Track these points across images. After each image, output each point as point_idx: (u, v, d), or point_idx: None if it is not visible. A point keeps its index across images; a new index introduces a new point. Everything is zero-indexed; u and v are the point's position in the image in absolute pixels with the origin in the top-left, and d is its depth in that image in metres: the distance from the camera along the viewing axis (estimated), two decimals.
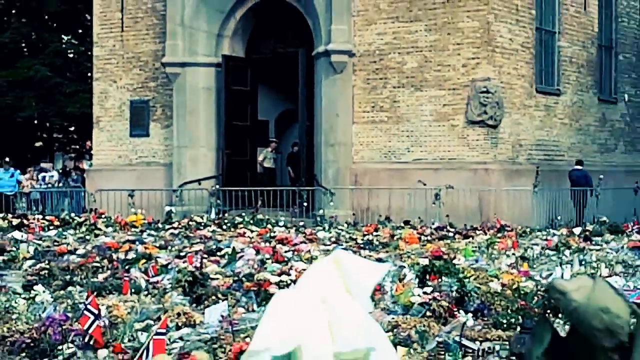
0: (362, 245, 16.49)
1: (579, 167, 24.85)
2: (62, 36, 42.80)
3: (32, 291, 10.26)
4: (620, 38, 28.59)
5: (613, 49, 28.38)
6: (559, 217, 21.96)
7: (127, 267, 12.47)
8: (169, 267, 12.35)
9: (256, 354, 0.57)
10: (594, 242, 17.00)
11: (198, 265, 12.28)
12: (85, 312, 7.52)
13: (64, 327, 7.56)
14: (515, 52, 23.49)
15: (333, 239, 17.72)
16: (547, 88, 25.06)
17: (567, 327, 0.76)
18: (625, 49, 28.91)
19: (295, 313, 0.60)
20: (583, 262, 13.51)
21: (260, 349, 0.57)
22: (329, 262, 0.62)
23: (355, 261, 0.63)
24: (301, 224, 21.14)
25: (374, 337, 0.61)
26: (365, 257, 11.91)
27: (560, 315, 7.60)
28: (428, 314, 8.93)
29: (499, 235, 17.86)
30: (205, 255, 13.76)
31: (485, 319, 8.96)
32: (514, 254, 14.38)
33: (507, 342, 7.71)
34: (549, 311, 8.28)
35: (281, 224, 20.80)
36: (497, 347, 7.67)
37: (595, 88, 27.27)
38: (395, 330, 8.00)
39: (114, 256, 13.74)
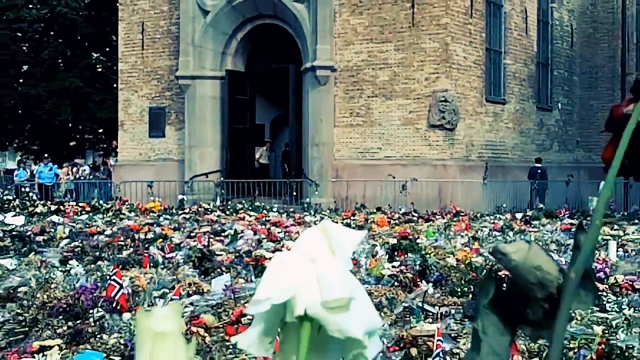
0: None
1: (538, 164, 25.07)
2: (92, 54, 42.66)
3: (67, 265, 10.26)
4: (555, 57, 28.69)
5: (549, 66, 28.47)
6: (504, 205, 22.04)
7: (146, 245, 12.46)
8: (182, 245, 12.34)
9: (259, 302, 0.59)
10: (532, 225, 17.08)
11: (206, 243, 12.30)
12: (112, 282, 7.53)
13: (94, 294, 7.56)
14: (468, 68, 23.53)
15: (317, 222, 17.71)
16: (495, 98, 25.12)
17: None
18: (559, 66, 29.01)
19: (290, 270, 0.62)
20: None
21: (262, 298, 0.59)
22: (317, 230, 0.64)
23: (338, 229, 0.65)
24: (291, 210, 21.15)
25: (354, 289, 0.63)
26: None
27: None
28: (396, 284, 8.97)
29: (454, 219, 17.93)
30: (212, 236, 13.78)
31: (443, 288, 9.01)
32: (467, 234, 14.43)
33: (461, 307, 7.76)
34: (493, 270, 8.34)
35: (274, 210, 20.80)
36: (453, 311, 7.71)
37: (534, 98, 27.36)
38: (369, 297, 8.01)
39: (136, 236, 13.73)
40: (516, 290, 0.74)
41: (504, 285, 0.78)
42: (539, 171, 24.82)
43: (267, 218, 18.06)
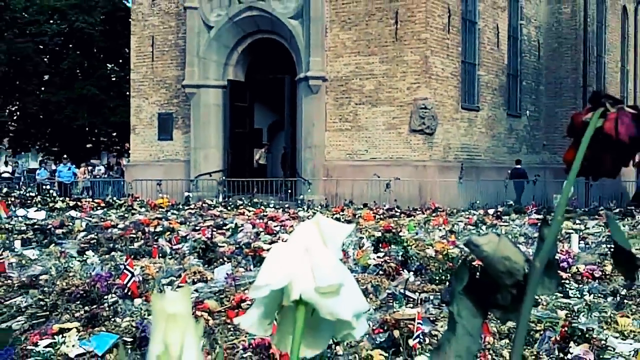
0: None
1: (518, 165, 25.18)
2: (107, 64, 42.60)
3: (84, 255, 10.24)
4: (523, 69, 28.75)
5: (518, 76, 28.52)
6: (477, 201, 22.07)
7: (155, 238, 12.45)
8: (187, 237, 12.33)
9: (259, 288, 0.59)
10: (503, 220, 17.10)
11: (209, 236, 12.28)
12: (125, 270, 7.52)
13: (108, 282, 7.55)
14: (446, 79, 23.56)
15: (310, 217, 17.71)
16: (470, 105, 25.15)
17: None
18: (527, 77, 29.07)
19: (287, 259, 0.62)
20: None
21: (262, 284, 0.60)
22: (311, 223, 0.65)
23: (330, 222, 0.66)
24: (286, 206, 21.15)
25: (343, 276, 0.63)
26: None
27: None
28: (380, 272, 8.97)
29: (433, 214, 17.94)
30: (215, 229, 13.76)
31: (423, 276, 9.01)
32: (444, 228, 14.45)
33: (439, 293, 7.77)
34: (467, 260, 8.35)
35: (271, 205, 20.80)
36: (432, 297, 7.72)
37: (505, 106, 27.41)
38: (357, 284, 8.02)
39: (146, 229, 13.70)
40: (487, 278, 0.75)
41: (477, 273, 0.79)
42: (520, 172, 24.97)
43: (265, 213, 18.04)
